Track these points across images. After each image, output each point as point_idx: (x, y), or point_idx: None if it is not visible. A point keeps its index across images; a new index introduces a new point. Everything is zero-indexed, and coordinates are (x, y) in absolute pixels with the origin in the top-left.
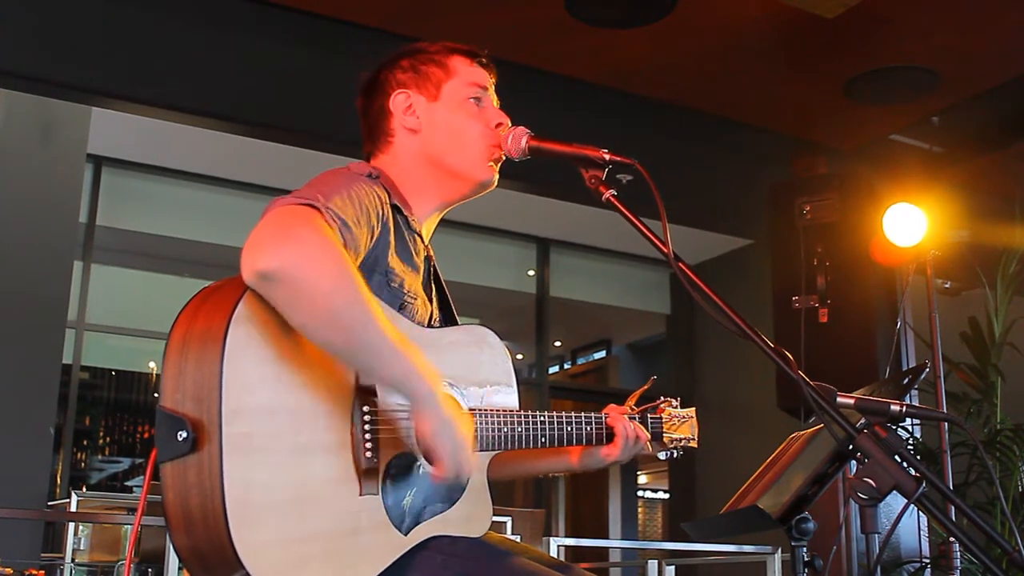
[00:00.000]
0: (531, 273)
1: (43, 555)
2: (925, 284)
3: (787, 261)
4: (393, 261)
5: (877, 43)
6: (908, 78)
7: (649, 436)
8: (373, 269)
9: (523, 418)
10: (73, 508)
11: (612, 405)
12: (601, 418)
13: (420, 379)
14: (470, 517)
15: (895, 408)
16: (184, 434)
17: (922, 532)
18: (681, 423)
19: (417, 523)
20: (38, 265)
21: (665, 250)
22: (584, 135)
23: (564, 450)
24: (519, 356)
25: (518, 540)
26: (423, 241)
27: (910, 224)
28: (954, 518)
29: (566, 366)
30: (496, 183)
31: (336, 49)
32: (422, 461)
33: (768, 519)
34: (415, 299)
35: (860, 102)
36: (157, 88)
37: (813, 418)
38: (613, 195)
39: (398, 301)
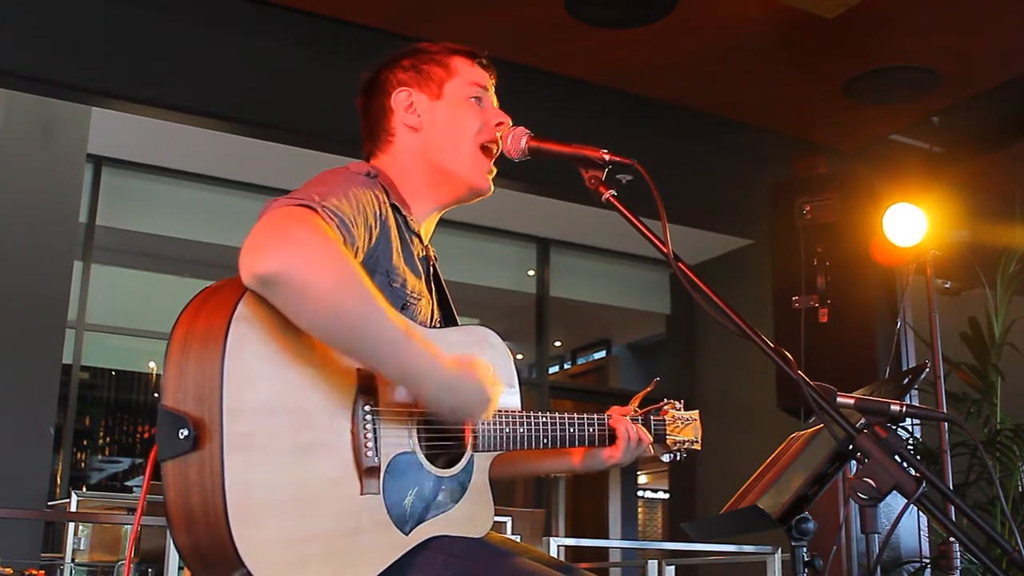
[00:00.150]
0: (531, 273)
1: (43, 555)
2: (925, 284)
3: (787, 261)
4: (395, 261)
5: (877, 43)
6: (908, 78)
7: (651, 439)
8: (374, 269)
9: (525, 419)
10: (73, 508)
11: (615, 407)
12: (603, 420)
13: (432, 364)
14: (472, 517)
15: (895, 408)
16: (185, 432)
17: (922, 532)
18: (684, 425)
19: (418, 523)
20: (38, 265)
21: (665, 250)
22: (584, 135)
23: (566, 451)
24: (519, 356)
25: (518, 540)
26: (422, 241)
27: (910, 224)
28: (954, 518)
29: (566, 366)
30: (492, 191)
31: (336, 49)
32: (423, 459)
33: (768, 519)
34: (418, 299)
35: (860, 102)
36: (157, 88)
37: (813, 418)
38: (613, 195)
39: (400, 301)
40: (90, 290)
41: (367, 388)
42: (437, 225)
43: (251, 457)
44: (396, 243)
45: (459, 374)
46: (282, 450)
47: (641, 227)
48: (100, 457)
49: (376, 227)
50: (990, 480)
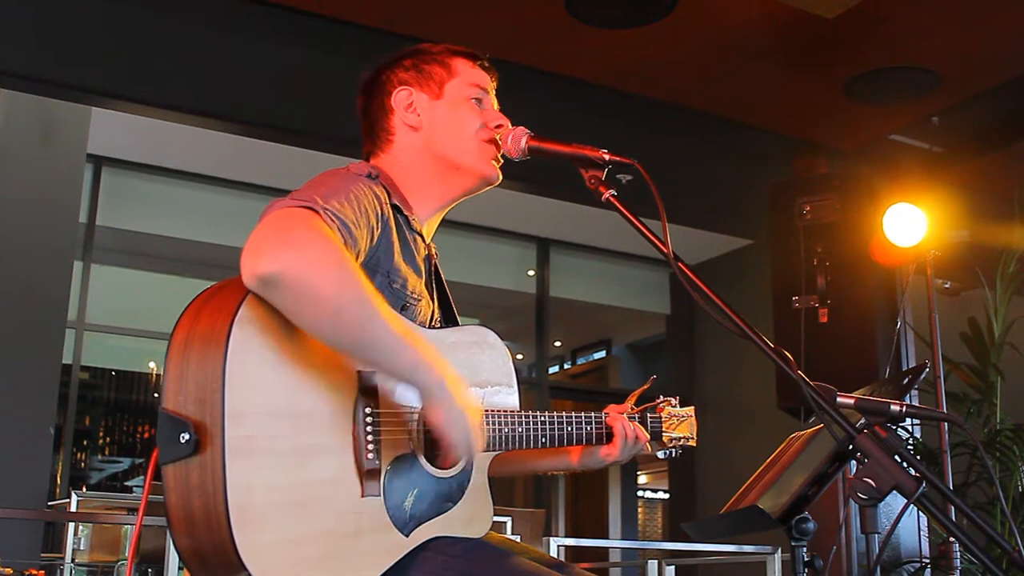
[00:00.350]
0: (531, 273)
1: (43, 555)
2: (925, 284)
3: (787, 261)
4: (397, 262)
5: (877, 43)
6: (908, 78)
7: (648, 436)
8: (375, 270)
9: (523, 418)
10: (73, 508)
11: (612, 405)
12: (601, 418)
13: (429, 369)
14: (472, 518)
15: (895, 408)
16: (187, 436)
17: (922, 532)
18: (680, 422)
19: (418, 524)
20: (38, 265)
21: (665, 250)
22: (584, 135)
23: (564, 450)
24: (519, 356)
25: (518, 540)
26: (424, 241)
27: (910, 224)
28: (954, 518)
29: (566, 366)
30: (500, 179)
31: (336, 49)
32: (423, 461)
33: (768, 519)
34: (419, 300)
35: (860, 102)
36: (157, 88)
37: (813, 418)
38: (613, 195)
39: (400, 302)
40: (90, 290)
41: (368, 390)
42: (438, 224)
43: (253, 460)
44: (397, 244)
45: (455, 391)
46: (283, 453)
47: (641, 227)
48: (100, 457)
49: (378, 228)
50: (990, 480)
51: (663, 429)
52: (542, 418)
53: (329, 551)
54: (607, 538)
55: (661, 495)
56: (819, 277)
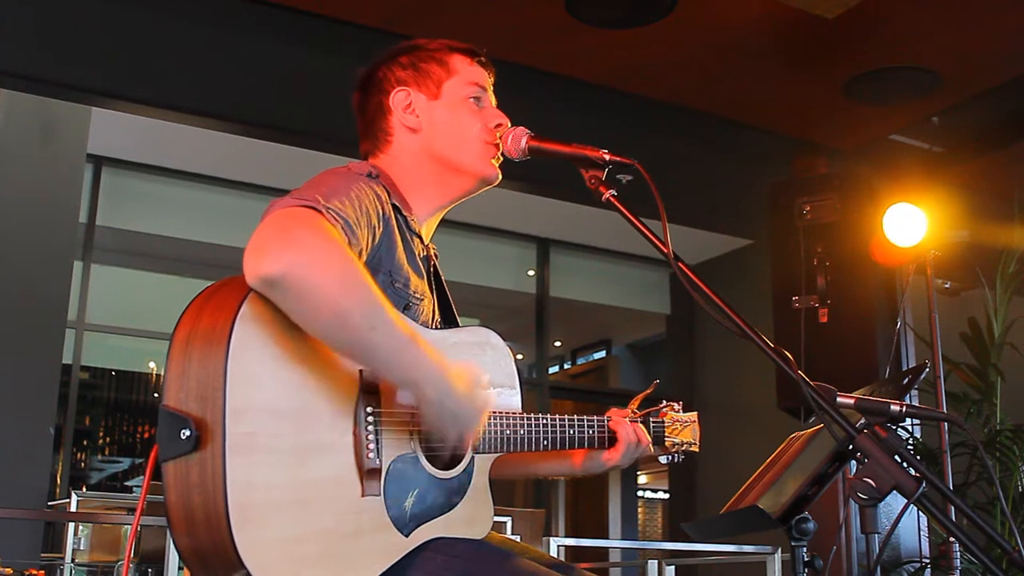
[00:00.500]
0: (531, 273)
1: (43, 555)
2: (925, 284)
3: (787, 261)
4: (398, 261)
5: (877, 43)
6: (908, 78)
7: (651, 440)
8: (376, 270)
9: (526, 420)
10: (73, 508)
11: (614, 409)
12: (603, 421)
13: (431, 369)
14: (472, 518)
15: (895, 408)
16: (187, 432)
17: (922, 532)
18: (683, 427)
19: (419, 525)
20: (38, 265)
21: (665, 250)
22: (584, 135)
23: (566, 453)
24: (519, 356)
25: (518, 540)
26: (423, 241)
27: (910, 224)
28: (954, 518)
29: (566, 366)
30: (500, 179)
31: (336, 49)
32: (424, 461)
33: (768, 519)
34: (420, 300)
35: (860, 102)
36: (157, 88)
37: (813, 418)
38: (613, 195)
39: (403, 302)
40: (90, 290)
41: (369, 390)
42: (437, 224)
43: (253, 458)
44: (399, 243)
45: (460, 384)
46: (284, 451)
47: (641, 227)
48: (100, 457)
49: (379, 227)
50: (990, 480)
51: (666, 434)
52: (544, 420)
53: (329, 550)
54: (607, 538)
55: (661, 495)
56: (819, 277)
